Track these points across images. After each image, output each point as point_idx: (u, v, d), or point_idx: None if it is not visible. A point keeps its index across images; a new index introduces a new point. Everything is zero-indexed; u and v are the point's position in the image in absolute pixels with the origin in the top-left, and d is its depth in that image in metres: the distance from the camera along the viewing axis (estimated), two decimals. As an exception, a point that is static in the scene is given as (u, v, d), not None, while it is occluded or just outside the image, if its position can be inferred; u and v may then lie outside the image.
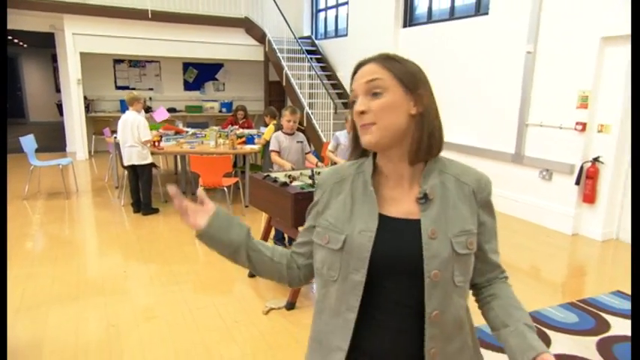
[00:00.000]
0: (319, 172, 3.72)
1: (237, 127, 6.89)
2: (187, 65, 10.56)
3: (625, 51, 4.36)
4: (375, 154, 1.03)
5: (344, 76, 8.88)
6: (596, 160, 4.66)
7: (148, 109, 8.19)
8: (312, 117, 8.06)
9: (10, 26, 8.02)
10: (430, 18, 6.96)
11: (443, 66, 6.29)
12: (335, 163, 4.29)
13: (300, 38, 9.08)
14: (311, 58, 8.76)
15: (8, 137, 9.32)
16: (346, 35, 8.72)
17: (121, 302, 3.24)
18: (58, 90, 12.24)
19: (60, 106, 11.24)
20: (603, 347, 2.73)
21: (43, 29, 8.57)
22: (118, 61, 9.93)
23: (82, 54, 8.43)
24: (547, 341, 2.76)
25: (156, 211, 5.39)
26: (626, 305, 3.27)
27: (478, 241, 1.00)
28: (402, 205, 0.98)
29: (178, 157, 6.71)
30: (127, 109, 5.20)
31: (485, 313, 1.05)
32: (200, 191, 1.10)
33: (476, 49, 5.90)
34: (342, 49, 8.89)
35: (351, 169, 1.05)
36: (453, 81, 6.12)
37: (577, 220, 4.88)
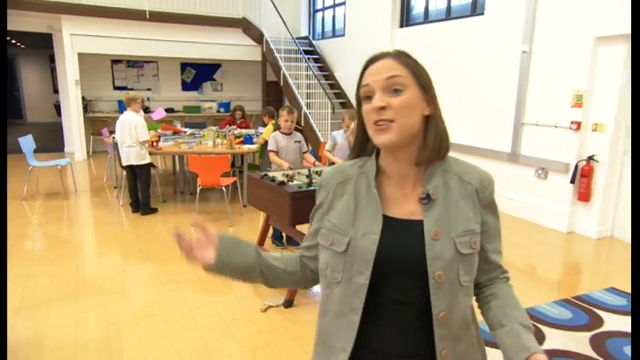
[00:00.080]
0: (318, 172, 3.75)
1: (235, 127, 6.91)
2: (185, 65, 10.59)
3: (619, 50, 4.41)
4: (377, 154, 1.02)
5: (341, 76, 8.91)
6: (590, 158, 4.70)
7: (146, 110, 8.21)
8: (310, 117, 8.09)
9: (7, 27, 8.02)
10: (427, 18, 7.00)
11: (439, 66, 6.32)
12: (333, 163, 4.32)
13: (297, 38, 9.11)
14: (308, 58, 8.79)
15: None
16: (343, 35, 8.76)
17: (121, 301, 3.27)
18: (55, 90, 12.25)
19: (58, 107, 11.23)
20: (596, 342, 2.77)
21: (41, 30, 8.59)
22: (115, 61, 9.95)
23: (79, 54, 8.45)
24: (541, 337, 2.81)
25: (154, 210, 5.42)
26: (620, 301, 3.32)
27: (480, 241, 0.99)
28: (405, 206, 0.98)
29: (176, 157, 6.73)
30: (125, 109, 5.23)
31: (484, 312, 1.05)
32: (195, 219, 1.02)
33: (472, 48, 5.94)
34: (340, 50, 8.92)
35: (353, 169, 1.04)
36: (449, 80, 6.16)
37: (572, 218, 4.93)
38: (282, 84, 8.80)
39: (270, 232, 4.23)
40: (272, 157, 4.21)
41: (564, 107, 4.86)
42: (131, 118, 5.12)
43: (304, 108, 8.12)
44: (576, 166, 4.79)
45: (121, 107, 7.70)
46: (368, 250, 0.94)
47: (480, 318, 1.06)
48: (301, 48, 8.77)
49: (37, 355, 2.60)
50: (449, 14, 6.58)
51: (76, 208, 5.64)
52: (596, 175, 4.70)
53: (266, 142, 4.58)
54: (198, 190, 5.07)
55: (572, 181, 4.83)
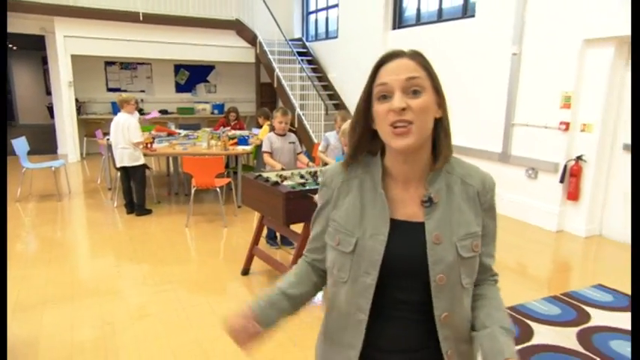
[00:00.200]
0: (312, 173, 3.80)
1: (229, 128, 6.95)
2: (179, 67, 10.60)
3: (606, 52, 4.50)
4: (382, 154, 1.01)
5: (335, 77, 8.97)
6: (579, 158, 4.79)
7: (140, 112, 8.22)
8: (304, 118, 8.14)
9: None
10: (419, 20, 7.08)
11: (431, 67, 6.39)
12: (326, 164, 4.37)
13: (290, 40, 9.16)
14: (302, 60, 8.84)
15: (-1, 140, 9.26)
16: (336, 37, 8.82)
17: (115, 301, 3.29)
18: (48, 92, 12.20)
19: (50, 109, 11.20)
20: (583, 337, 2.84)
21: (34, 32, 8.56)
22: (109, 63, 9.94)
23: (73, 56, 8.44)
24: (530, 332, 2.87)
25: (149, 212, 5.44)
26: (607, 298, 3.40)
27: None
28: (407, 207, 0.98)
29: (170, 158, 6.75)
30: (119, 111, 5.25)
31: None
32: (231, 322, 1.04)
33: (463, 50, 6.02)
34: (333, 51, 8.98)
35: (357, 169, 1.03)
36: (441, 82, 6.22)
37: (561, 217, 5.01)
38: (275, 85, 8.84)
39: (265, 232, 4.27)
40: (266, 158, 4.26)
41: (553, 108, 4.94)
42: (124, 120, 5.14)
43: (298, 109, 8.16)
44: (565, 166, 4.87)
45: (115, 109, 7.70)
46: (375, 251, 0.94)
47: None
48: (295, 50, 8.82)
49: (33, 355, 2.62)
50: (440, 16, 6.66)
51: (70, 210, 5.65)
52: (585, 175, 4.79)
53: (261, 143, 4.63)
54: (192, 191, 5.10)
55: (562, 181, 4.91)
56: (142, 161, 5.30)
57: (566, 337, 2.83)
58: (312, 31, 10.09)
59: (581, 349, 2.70)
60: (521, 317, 3.04)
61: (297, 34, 10.16)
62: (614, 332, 2.91)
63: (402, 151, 0.93)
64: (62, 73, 8.37)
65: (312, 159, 5.14)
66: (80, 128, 9.09)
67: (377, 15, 7.54)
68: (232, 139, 6.01)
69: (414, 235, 0.95)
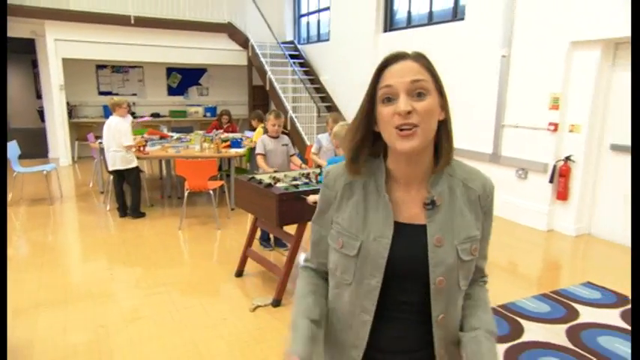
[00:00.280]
0: (305, 174, 3.83)
1: (221, 131, 6.96)
2: (171, 70, 10.59)
3: (592, 55, 4.58)
4: (385, 156, 1.01)
5: (327, 80, 9.01)
6: (567, 158, 4.86)
7: (133, 115, 8.19)
8: (296, 120, 8.17)
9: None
10: (409, 23, 7.15)
11: (422, 70, 6.45)
12: (319, 166, 4.41)
13: (282, 43, 9.20)
14: (294, 63, 8.88)
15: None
16: (328, 40, 8.87)
17: (109, 304, 3.29)
18: (38, 96, 12.12)
19: (41, 112, 11.12)
20: (572, 334, 2.89)
21: (24, 35, 8.51)
22: (100, 66, 9.90)
23: (64, 59, 8.41)
24: (520, 330, 2.92)
25: (143, 215, 5.43)
26: (595, 295, 3.46)
27: None
28: (409, 209, 0.98)
29: (163, 161, 6.75)
30: (111, 114, 5.25)
31: None
32: None
33: (454, 53, 6.09)
34: (325, 54, 9.03)
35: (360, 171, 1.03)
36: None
37: (551, 216, 5.08)
38: (268, 88, 8.86)
39: (258, 233, 4.29)
40: (259, 160, 4.28)
41: (542, 109, 5.02)
42: (116, 123, 5.14)
43: (290, 112, 8.19)
44: (554, 166, 4.95)
45: (107, 112, 7.67)
46: (380, 254, 0.95)
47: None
48: (287, 52, 8.86)
49: (29, 357, 2.62)
50: (431, 19, 6.73)
51: (63, 214, 5.63)
52: (573, 175, 4.87)
53: (255, 146, 4.65)
54: (185, 193, 5.10)
55: (551, 181, 4.98)
56: (135, 164, 5.30)
57: (556, 334, 2.88)
58: (304, 34, 10.13)
59: (570, 346, 2.75)
60: (511, 315, 3.08)
61: (289, 37, 10.20)
62: (602, 329, 2.97)
63: (407, 153, 0.92)
64: (53, 76, 8.32)
65: (304, 161, 5.18)
66: (72, 132, 9.05)
67: (368, 18, 7.60)
68: (225, 141, 6.03)
69: (416, 238, 0.96)
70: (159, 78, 10.54)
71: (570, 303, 3.31)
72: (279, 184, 3.46)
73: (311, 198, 3.10)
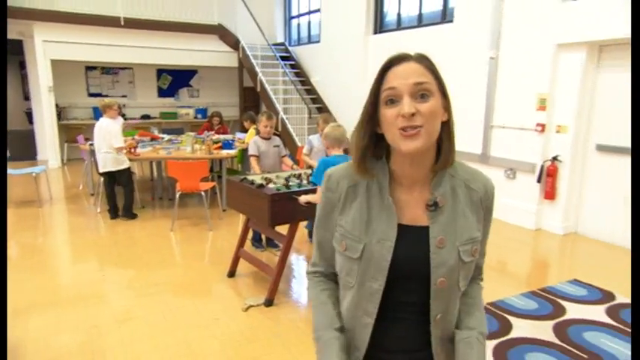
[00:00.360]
0: (296, 175, 3.86)
1: (212, 132, 6.96)
2: (161, 72, 10.55)
3: (578, 57, 4.68)
4: (388, 158, 1.01)
5: (318, 81, 9.06)
6: (554, 158, 4.95)
7: (123, 116, 8.16)
8: (287, 122, 8.20)
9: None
10: (399, 25, 7.22)
11: (412, 71, 6.51)
12: (310, 166, 4.44)
13: (273, 45, 9.23)
14: (285, 64, 8.91)
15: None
16: (319, 42, 8.91)
17: (101, 305, 3.29)
18: (26, 98, 12.00)
19: (29, 114, 11.02)
20: (559, 330, 2.95)
21: (11, 36, 8.42)
22: (90, 68, 9.84)
23: (52, 61, 8.34)
24: (509, 327, 2.97)
25: (135, 216, 5.42)
26: (581, 292, 3.53)
27: None
28: (412, 210, 0.98)
29: (154, 163, 6.73)
30: (101, 116, 5.23)
31: None
32: None
33: (443, 54, 6.13)
34: (315, 55, 9.07)
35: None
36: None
37: (539, 215, 5.17)
38: (258, 90, 8.88)
39: (250, 234, 4.31)
40: (253, 162, 4.30)
41: (530, 110, 5.11)
42: (106, 125, 5.13)
43: (281, 113, 8.22)
44: (542, 166, 5.03)
45: (97, 114, 7.63)
46: (383, 257, 0.95)
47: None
48: (277, 54, 8.89)
49: (21, 358, 2.62)
50: (420, 21, 6.81)
51: (52, 216, 5.59)
52: (560, 175, 4.96)
53: (247, 147, 4.67)
54: (177, 195, 5.10)
55: (539, 181, 5.07)
56: (126, 164, 5.28)
57: (543, 330, 2.95)
58: (294, 36, 10.17)
59: (557, 341, 2.81)
60: (500, 312, 3.14)
61: (280, 39, 10.23)
62: (588, 324, 3.03)
63: (411, 154, 0.92)
64: (42, 78, 8.25)
65: (296, 162, 5.21)
66: (61, 134, 8.96)
67: (358, 20, 7.66)
68: (216, 143, 6.03)
69: (419, 239, 0.97)
70: (149, 79, 10.50)
71: (557, 300, 3.38)
72: (270, 185, 3.49)
73: (302, 198, 3.13)
